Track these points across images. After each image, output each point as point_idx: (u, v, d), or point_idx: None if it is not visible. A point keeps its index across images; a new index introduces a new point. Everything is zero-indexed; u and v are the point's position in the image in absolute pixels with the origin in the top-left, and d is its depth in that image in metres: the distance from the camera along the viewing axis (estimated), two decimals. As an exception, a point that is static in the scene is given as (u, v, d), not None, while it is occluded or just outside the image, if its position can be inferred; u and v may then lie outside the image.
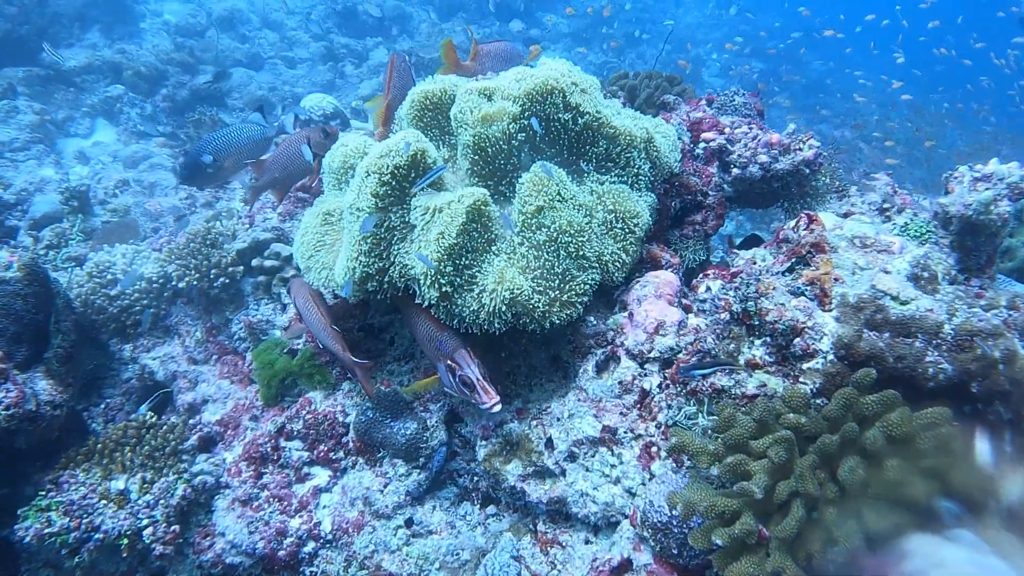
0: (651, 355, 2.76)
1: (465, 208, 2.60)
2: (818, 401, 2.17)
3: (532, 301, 2.63)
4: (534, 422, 2.89)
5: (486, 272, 2.67)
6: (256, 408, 3.41)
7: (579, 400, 2.82)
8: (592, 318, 2.95)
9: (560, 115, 2.92)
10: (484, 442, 2.94)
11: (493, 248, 2.72)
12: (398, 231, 2.78)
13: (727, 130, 3.54)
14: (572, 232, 2.69)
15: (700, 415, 2.34)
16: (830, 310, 2.23)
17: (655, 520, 2.35)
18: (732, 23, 17.29)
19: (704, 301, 2.82)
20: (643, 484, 2.58)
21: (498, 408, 2.55)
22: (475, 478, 3.10)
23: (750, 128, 3.52)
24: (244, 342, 3.69)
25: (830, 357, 2.17)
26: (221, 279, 3.64)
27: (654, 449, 2.60)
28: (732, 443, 2.08)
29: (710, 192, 3.48)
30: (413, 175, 2.76)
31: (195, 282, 3.62)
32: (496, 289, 2.59)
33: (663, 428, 2.60)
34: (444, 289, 2.63)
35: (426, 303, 2.70)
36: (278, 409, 3.35)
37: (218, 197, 4.73)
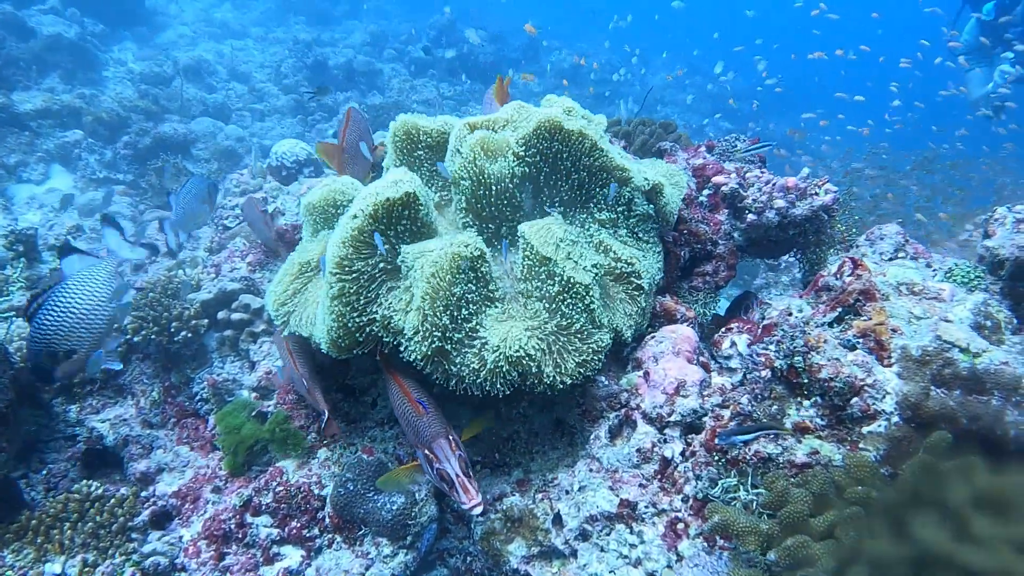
0: (671, 419, 2.47)
1: (460, 254, 2.31)
2: (882, 471, 1.88)
3: (542, 360, 2.32)
4: (539, 495, 2.56)
5: (488, 326, 2.37)
6: (219, 478, 3.02)
7: (591, 470, 2.50)
8: (603, 378, 2.65)
9: (567, 154, 2.66)
10: (481, 518, 2.59)
11: (495, 300, 2.42)
12: (385, 281, 2.47)
13: (734, 176, 3.32)
14: (584, 284, 2.40)
15: (741, 488, 2.03)
16: (890, 365, 1.96)
17: (691, 612, 2.02)
18: (699, 85, 17.47)
19: (729, 357, 2.54)
20: (669, 567, 2.25)
21: (479, 511, 2.18)
22: (468, 558, 2.74)
23: (762, 172, 3.30)
24: (207, 404, 3.31)
25: (894, 419, 1.89)
26: (183, 333, 3.28)
27: (680, 526, 2.28)
28: (790, 522, 1.78)
29: (720, 241, 3.24)
30: (404, 217, 2.47)
31: (153, 336, 3.25)
32: (500, 346, 2.28)
33: (691, 502, 2.29)
34: (437, 344, 2.31)
35: (415, 359, 2.37)
36: (244, 480, 2.96)
37: (182, 246, 4.37)
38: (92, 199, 6.00)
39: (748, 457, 2.02)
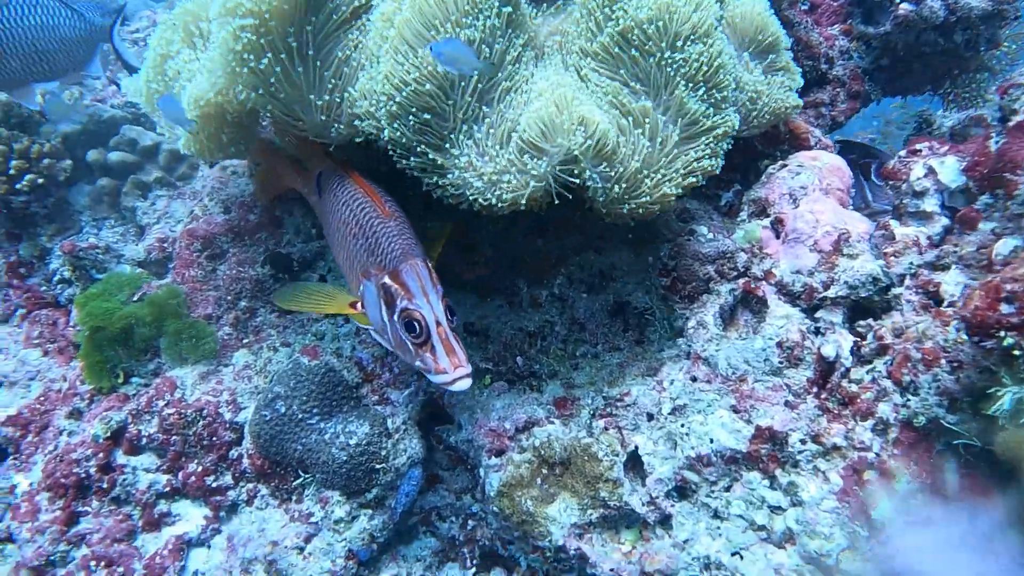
0: (830, 293, 1.43)
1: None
2: None
3: (621, 150, 1.26)
4: (600, 421, 1.52)
5: (516, 99, 1.28)
6: (81, 396, 1.95)
7: (694, 379, 1.47)
8: (704, 228, 1.60)
9: None
10: (497, 460, 1.56)
11: (530, 53, 1.35)
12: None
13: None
14: (703, 43, 1.32)
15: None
16: None
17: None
18: None
19: (921, 195, 1.50)
20: (852, 549, 1.24)
21: (464, 385, 1.21)
22: (470, 521, 1.74)
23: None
24: (71, 286, 2.21)
25: None
26: (30, 177, 2.14)
27: (871, 476, 1.26)
28: None
29: (837, 59, 2.20)
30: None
31: (-16, 182, 2.12)
32: (540, 126, 1.21)
33: (893, 433, 1.26)
34: (421, 120, 1.26)
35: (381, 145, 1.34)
36: (117, 398, 1.90)
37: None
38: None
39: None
